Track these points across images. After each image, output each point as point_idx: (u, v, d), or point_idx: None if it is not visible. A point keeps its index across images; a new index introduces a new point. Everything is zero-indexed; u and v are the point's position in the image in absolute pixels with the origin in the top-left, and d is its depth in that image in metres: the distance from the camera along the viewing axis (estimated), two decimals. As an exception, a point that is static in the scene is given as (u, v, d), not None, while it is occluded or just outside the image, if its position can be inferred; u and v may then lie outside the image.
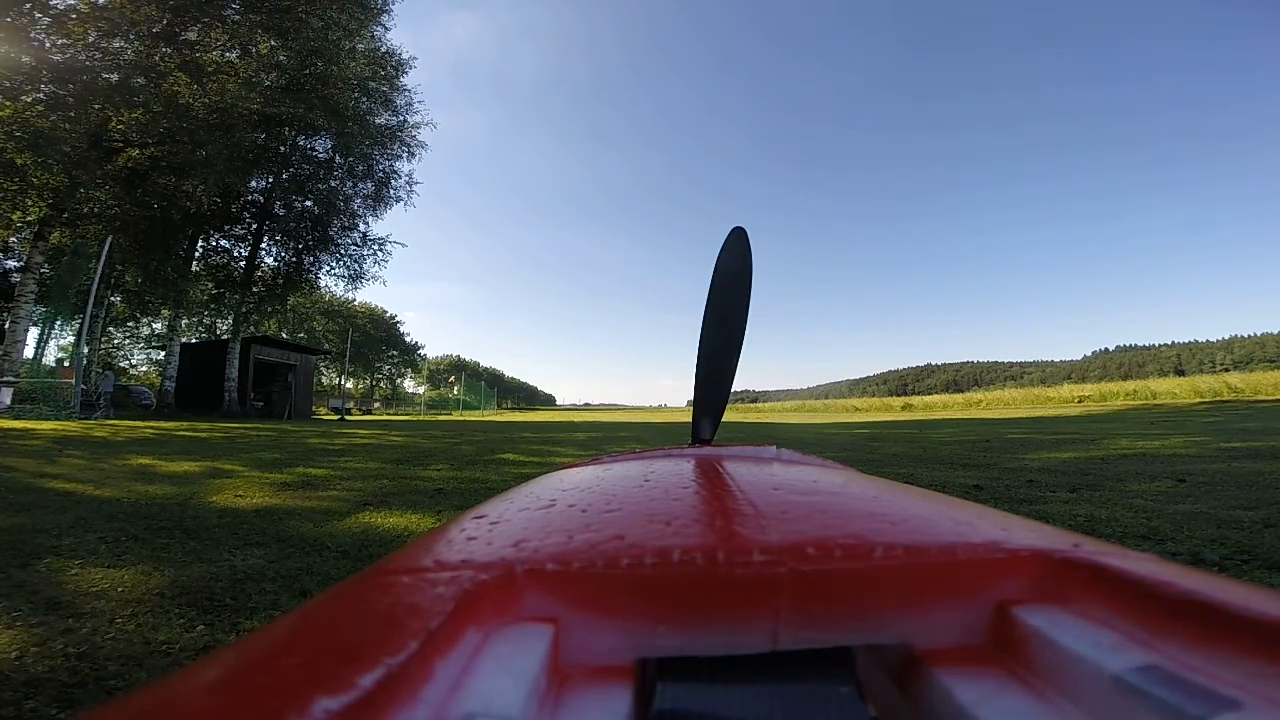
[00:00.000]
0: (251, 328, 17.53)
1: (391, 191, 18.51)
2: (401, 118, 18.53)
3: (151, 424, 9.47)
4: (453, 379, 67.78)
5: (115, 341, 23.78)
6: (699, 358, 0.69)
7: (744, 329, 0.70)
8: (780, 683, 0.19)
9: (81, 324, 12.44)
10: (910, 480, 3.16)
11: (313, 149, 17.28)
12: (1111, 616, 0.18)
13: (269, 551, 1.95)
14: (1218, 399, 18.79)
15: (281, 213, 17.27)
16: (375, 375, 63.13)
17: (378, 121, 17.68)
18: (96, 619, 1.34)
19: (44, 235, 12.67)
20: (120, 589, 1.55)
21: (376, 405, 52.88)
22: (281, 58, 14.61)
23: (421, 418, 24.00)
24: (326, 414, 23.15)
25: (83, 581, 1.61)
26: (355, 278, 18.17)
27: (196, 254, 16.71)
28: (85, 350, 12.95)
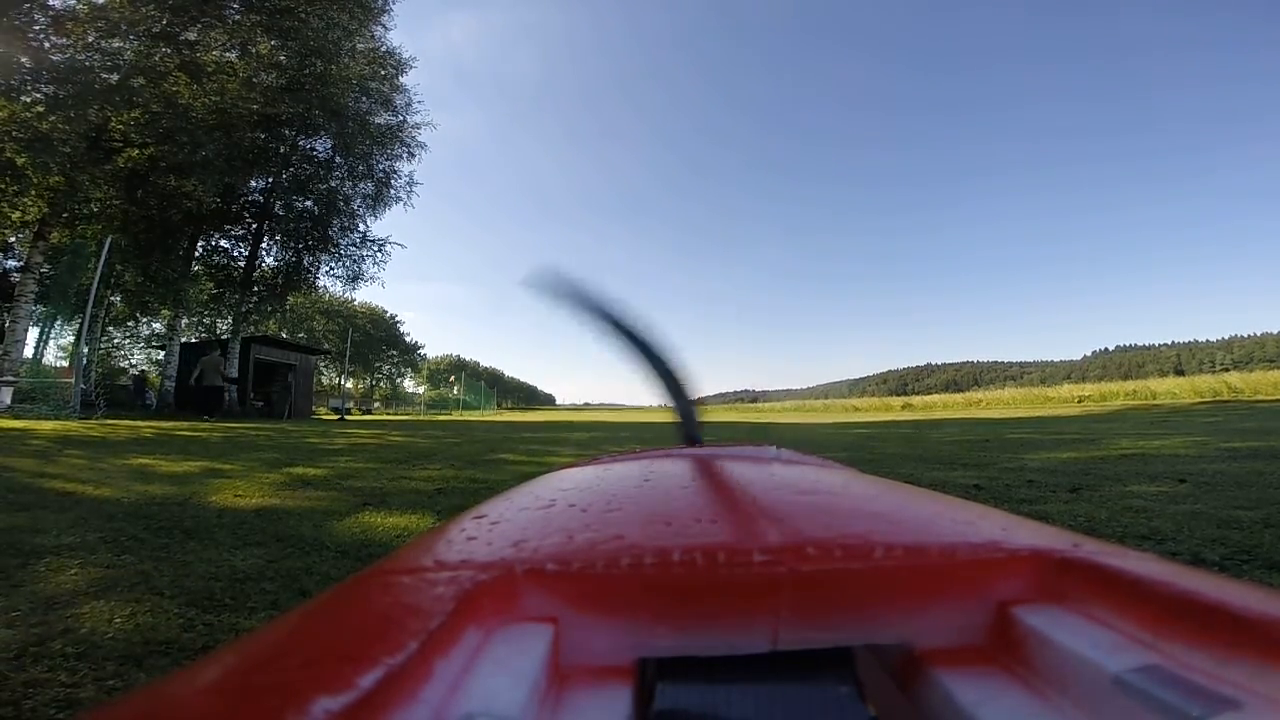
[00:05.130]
0: (251, 327, 17.52)
1: (391, 192, 18.50)
2: (401, 117, 18.52)
3: (151, 423, 9.47)
4: (452, 379, 67.74)
5: (115, 341, 23.75)
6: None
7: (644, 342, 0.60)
8: (780, 683, 0.19)
9: (81, 324, 12.44)
10: (910, 480, 3.15)
11: (313, 149, 17.25)
12: (1111, 616, 0.18)
13: (269, 551, 1.95)
14: (1217, 399, 18.79)
15: (281, 213, 17.25)
16: (375, 375, 63.12)
17: (377, 121, 17.67)
18: (95, 619, 1.34)
19: (44, 235, 12.65)
20: (120, 588, 1.55)
21: (376, 405, 52.89)
22: (281, 58, 14.59)
23: (421, 417, 23.99)
24: (326, 414, 23.12)
25: (82, 581, 1.61)
26: (354, 278, 18.18)
27: (196, 254, 16.70)
28: (85, 350, 12.95)
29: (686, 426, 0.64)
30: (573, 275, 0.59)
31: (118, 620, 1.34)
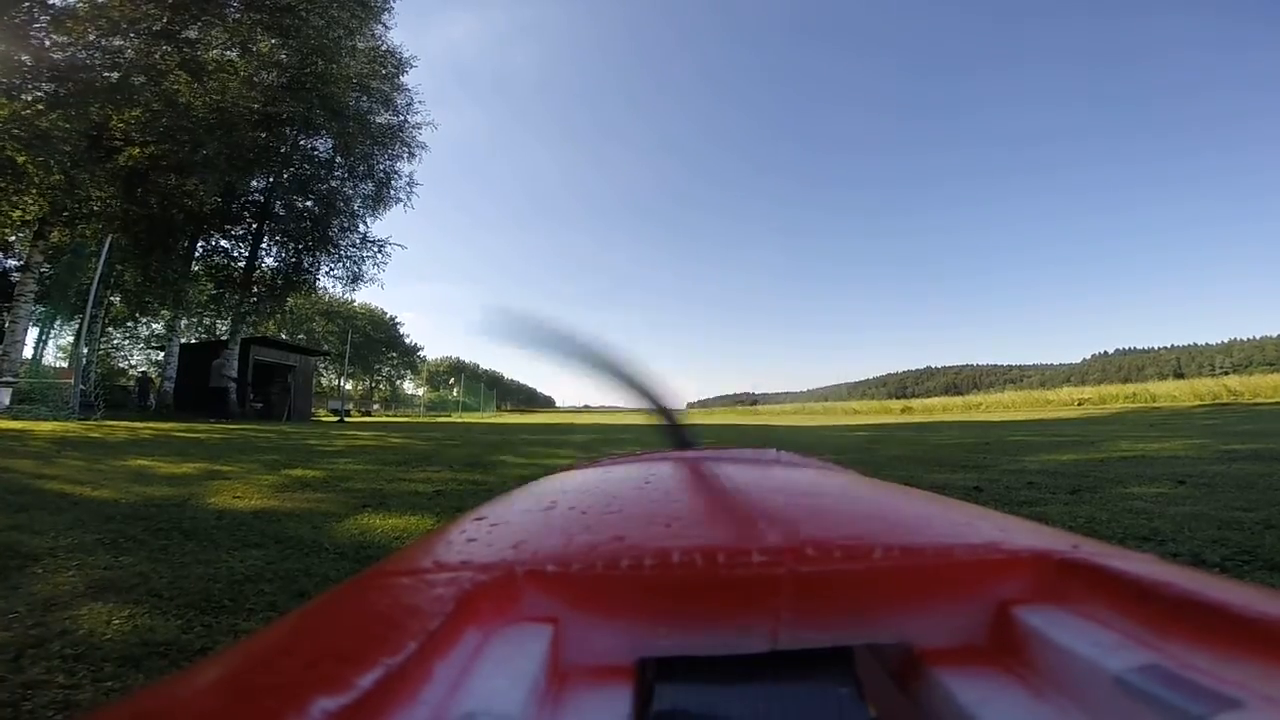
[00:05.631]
0: (251, 328, 17.52)
1: (392, 192, 18.53)
2: (402, 117, 18.56)
3: (150, 425, 9.46)
4: (452, 381, 67.79)
5: (115, 342, 23.73)
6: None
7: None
8: (780, 683, 0.19)
9: (81, 324, 12.44)
10: (910, 482, 3.15)
11: (313, 149, 17.30)
12: (1112, 616, 0.18)
13: (267, 553, 1.94)
14: (1217, 402, 18.79)
15: (282, 213, 17.26)
16: (375, 377, 63.11)
17: (378, 121, 17.69)
18: (94, 620, 1.34)
19: (44, 234, 12.65)
20: (118, 590, 1.55)
21: (376, 407, 52.84)
22: (282, 56, 14.62)
23: (421, 419, 23.98)
24: (326, 415, 23.11)
25: (80, 582, 1.60)
26: (354, 279, 18.20)
27: (196, 254, 16.71)
28: (85, 350, 12.94)
29: (677, 433, 0.64)
30: (522, 311, 0.58)
31: (116, 622, 1.33)
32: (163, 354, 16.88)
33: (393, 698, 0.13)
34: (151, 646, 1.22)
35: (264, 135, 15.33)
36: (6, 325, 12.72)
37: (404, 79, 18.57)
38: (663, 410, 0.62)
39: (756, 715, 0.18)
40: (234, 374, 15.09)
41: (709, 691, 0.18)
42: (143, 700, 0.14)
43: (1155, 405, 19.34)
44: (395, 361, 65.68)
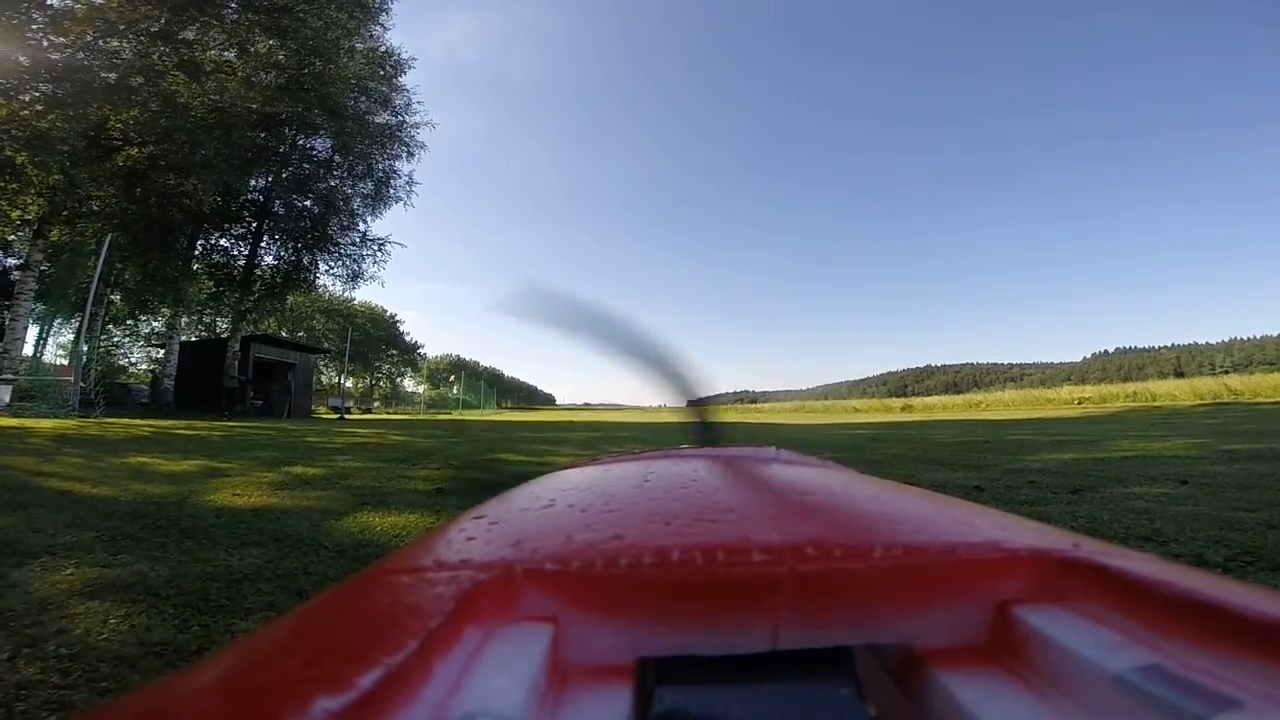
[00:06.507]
0: (251, 326, 17.53)
1: (391, 191, 18.50)
2: (400, 117, 18.53)
3: (150, 422, 9.45)
4: (452, 378, 67.85)
5: (115, 340, 23.74)
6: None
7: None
8: (780, 683, 0.19)
9: (81, 322, 12.44)
10: (910, 481, 3.14)
11: (312, 148, 17.27)
12: (1112, 616, 0.18)
13: (266, 551, 1.94)
14: (1217, 401, 18.80)
15: (281, 212, 17.26)
16: (375, 374, 63.15)
17: (377, 121, 17.67)
18: (90, 619, 1.33)
19: (43, 233, 12.65)
20: (116, 589, 1.54)
21: (376, 404, 52.89)
22: (280, 57, 14.59)
23: (421, 417, 24.00)
24: (326, 412, 23.12)
25: (78, 581, 1.60)
26: (354, 277, 18.18)
27: (196, 253, 16.71)
28: (85, 348, 12.94)
29: (700, 427, 0.63)
30: (555, 289, 0.56)
31: (113, 621, 1.33)
32: (163, 351, 16.89)
33: (393, 697, 0.13)
34: (148, 646, 1.21)
35: (262, 135, 15.31)
36: (6, 323, 12.72)
37: (402, 79, 18.55)
38: (691, 402, 0.60)
39: (756, 715, 0.18)
40: (233, 371, 15.30)
41: (709, 691, 0.18)
42: (140, 699, 0.14)
43: (1156, 404, 19.34)
44: (395, 359, 65.68)
